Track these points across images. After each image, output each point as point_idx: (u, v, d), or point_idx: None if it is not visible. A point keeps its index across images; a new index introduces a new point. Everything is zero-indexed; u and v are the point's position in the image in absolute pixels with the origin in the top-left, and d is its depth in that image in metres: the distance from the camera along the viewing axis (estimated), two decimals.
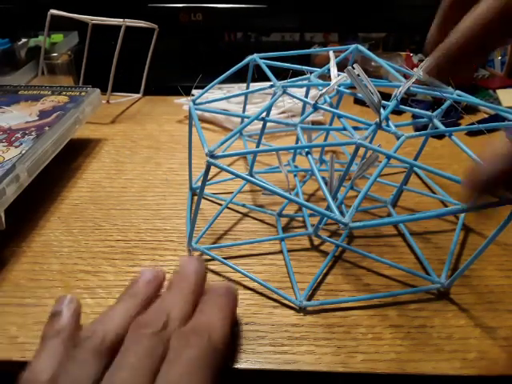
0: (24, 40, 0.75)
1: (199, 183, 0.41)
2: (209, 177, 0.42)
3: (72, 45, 0.76)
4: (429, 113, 0.30)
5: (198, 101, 0.34)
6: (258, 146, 0.38)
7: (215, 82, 0.35)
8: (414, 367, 0.25)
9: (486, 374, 0.25)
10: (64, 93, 0.47)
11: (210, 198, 0.40)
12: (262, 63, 0.36)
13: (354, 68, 0.27)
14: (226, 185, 0.42)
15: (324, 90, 0.31)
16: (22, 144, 0.37)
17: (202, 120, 0.53)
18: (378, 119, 0.27)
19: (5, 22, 0.66)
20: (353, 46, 0.36)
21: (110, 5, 0.60)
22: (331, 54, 0.34)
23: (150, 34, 0.57)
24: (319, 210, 0.26)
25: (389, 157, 0.26)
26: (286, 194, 0.27)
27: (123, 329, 0.23)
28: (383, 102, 0.28)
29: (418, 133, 0.29)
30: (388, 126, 0.29)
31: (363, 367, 0.25)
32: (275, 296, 0.30)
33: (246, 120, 0.31)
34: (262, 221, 0.37)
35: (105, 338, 0.22)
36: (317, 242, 0.35)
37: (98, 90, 0.49)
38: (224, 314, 0.24)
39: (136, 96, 0.60)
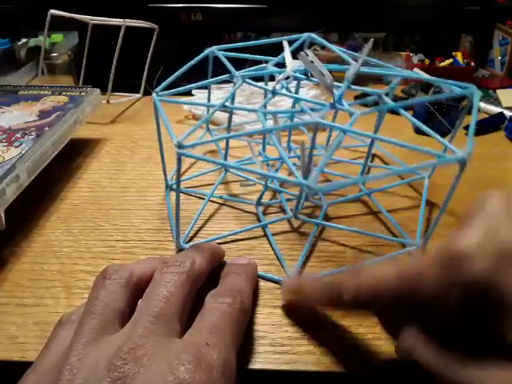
0: (24, 40, 0.75)
1: (174, 179, 0.42)
2: (182, 172, 0.43)
3: (72, 45, 0.75)
4: (378, 90, 0.33)
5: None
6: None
7: (177, 73, 0.36)
8: (413, 367, 0.25)
9: None
10: (64, 93, 0.47)
11: (188, 193, 0.40)
12: (221, 55, 0.37)
13: (307, 54, 0.29)
14: (199, 180, 0.42)
15: (280, 77, 0.33)
16: (22, 144, 0.37)
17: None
18: (332, 99, 0.30)
19: (5, 22, 0.66)
20: (305, 35, 0.38)
21: (110, 5, 0.60)
22: (285, 43, 0.36)
23: (149, 33, 0.57)
24: (288, 180, 0.28)
25: (345, 131, 0.28)
26: (263, 171, 0.30)
27: (150, 271, 0.25)
28: (338, 83, 0.31)
29: (369, 109, 0.31)
30: (342, 105, 0.31)
31: (363, 367, 0.25)
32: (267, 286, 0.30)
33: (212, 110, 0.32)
34: (239, 209, 0.38)
35: (132, 273, 0.24)
36: (296, 224, 0.37)
37: (97, 90, 0.49)
38: (250, 281, 0.28)
39: (136, 96, 0.60)
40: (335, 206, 0.38)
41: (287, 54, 0.34)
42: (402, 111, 0.31)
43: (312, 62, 0.29)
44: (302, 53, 0.29)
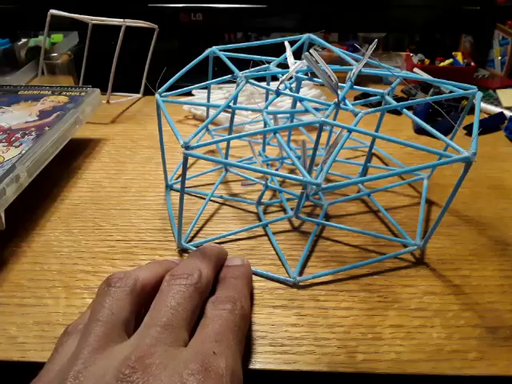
0: (24, 40, 0.75)
1: (174, 179, 0.42)
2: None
3: (72, 45, 0.76)
4: (381, 90, 0.33)
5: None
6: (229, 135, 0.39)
7: (179, 74, 0.36)
8: (414, 367, 0.25)
9: (486, 374, 0.25)
10: (64, 93, 0.47)
11: (188, 193, 0.40)
12: (222, 55, 0.37)
13: (311, 54, 0.29)
14: (199, 180, 0.42)
15: (284, 77, 0.33)
16: (22, 144, 0.37)
17: (201, 120, 0.53)
18: (336, 99, 0.30)
19: (5, 22, 0.66)
20: (305, 36, 0.39)
21: (110, 5, 0.60)
22: (287, 44, 0.36)
23: (149, 34, 0.57)
24: (294, 178, 0.28)
25: (350, 130, 0.28)
26: (268, 170, 0.30)
27: (154, 278, 0.25)
28: (341, 84, 0.31)
29: (373, 109, 0.32)
30: (346, 105, 0.31)
31: (363, 367, 0.25)
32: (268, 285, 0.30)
33: (211, 110, 0.31)
34: (239, 208, 0.38)
35: (137, 281, 0.24)
36: (296, 224, 0.37)
37: (97, 90, 0.49)
38: (247, 284, 0.27)
39: (136, 96, 0.60)
40: (335, 206, 0.38)
41: (289, 55, 0.35)
42: (406, 111, 0.31)
43: (317, 62, 0.29)
44: (306, 53, 0.29)
